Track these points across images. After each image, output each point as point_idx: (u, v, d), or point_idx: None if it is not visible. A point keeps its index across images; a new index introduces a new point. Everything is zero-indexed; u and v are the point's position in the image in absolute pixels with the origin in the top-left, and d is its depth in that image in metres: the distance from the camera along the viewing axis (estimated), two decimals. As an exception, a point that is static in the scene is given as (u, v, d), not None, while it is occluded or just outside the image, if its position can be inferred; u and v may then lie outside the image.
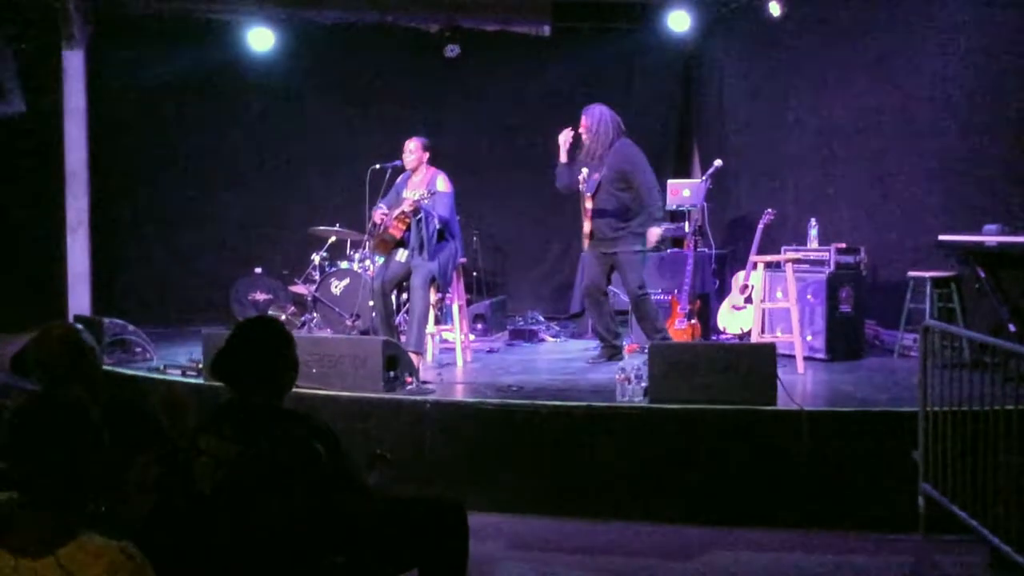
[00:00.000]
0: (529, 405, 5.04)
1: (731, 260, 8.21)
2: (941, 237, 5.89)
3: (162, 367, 6.34)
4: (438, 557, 3.02)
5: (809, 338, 6.62)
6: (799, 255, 6.77)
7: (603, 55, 9.62)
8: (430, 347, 6.94)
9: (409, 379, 5.51)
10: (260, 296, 8.97)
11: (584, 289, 6.77)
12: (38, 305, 8.95)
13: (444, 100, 9.67)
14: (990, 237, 5.54)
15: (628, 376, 5.05)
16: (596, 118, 6.47)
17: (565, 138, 6.54)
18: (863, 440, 4.65)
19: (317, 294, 7.80)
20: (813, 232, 7.12)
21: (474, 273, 8.95)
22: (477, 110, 9.70)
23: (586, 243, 6.60)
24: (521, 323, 8.82)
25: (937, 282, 6.30)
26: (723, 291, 7.61)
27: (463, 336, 7.03)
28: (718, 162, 7.24)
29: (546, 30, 9.85)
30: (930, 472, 4.27)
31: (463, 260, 7.13)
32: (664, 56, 9.90)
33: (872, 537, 4.44)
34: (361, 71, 9.70)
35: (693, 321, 6.93)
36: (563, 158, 6.61)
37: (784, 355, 5.89)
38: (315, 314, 7.81)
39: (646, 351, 5.38)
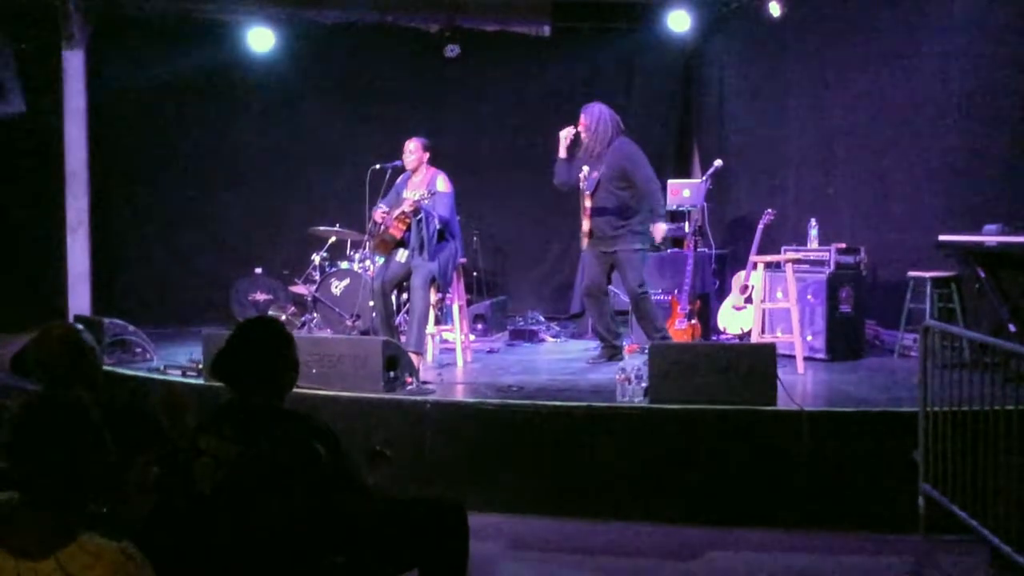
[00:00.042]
0: (529, 405, 5.04)
1: (731, 260, 8.21)
2: (941, 237, 5.89)
3: (162, 367, 6.35)
4: (438, 557, 3.02)
5: (809, 338, 6.62)
6: (799, 255, 6.77)
7: (603, 55, 9.63)
8: (430, 347, 6.94)
9: (409, 379, 5.52)
10: (260, 296, 8.97)
11: (584, 289, 6.77)
12: (38, 305, 8.96)
13: (444, 100, 9.67)
14: (990, 237, 5.54)
15: (628, 376, 5.05)
16: (595, 116, 6.47)
17: (566, 134, 6.54)
18: (863, 440, 4.65)
19: (317, 294, 7.80)
20: (813, 232, 7.12)
21: (474, 273, 8.95)
22: (477, 110, 9.70)
23: (585, 242, 6.59)
24: (521, 323, 8.82)
25: (937, 282, 6.30)
26: (723, 291, 7.61)
27: (463, 336, 7.03)
28: (718, 162, 7.25)
29: (546, 30, 9.86)
30: (930, 472, 4.27)
31: (463, 260, 7.13)
32: (664, 56, 9.90)
33: (872, 537, 4.44)
34: (361, 71, 9.70)
35: (693, 321, 6.93)
36: (562, 153, 6.60)
37: (784, 355, 5.89)
38: (315, 314, 7.81)
39: (646, 351, 5.38)
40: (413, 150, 6.64)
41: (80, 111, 8.84)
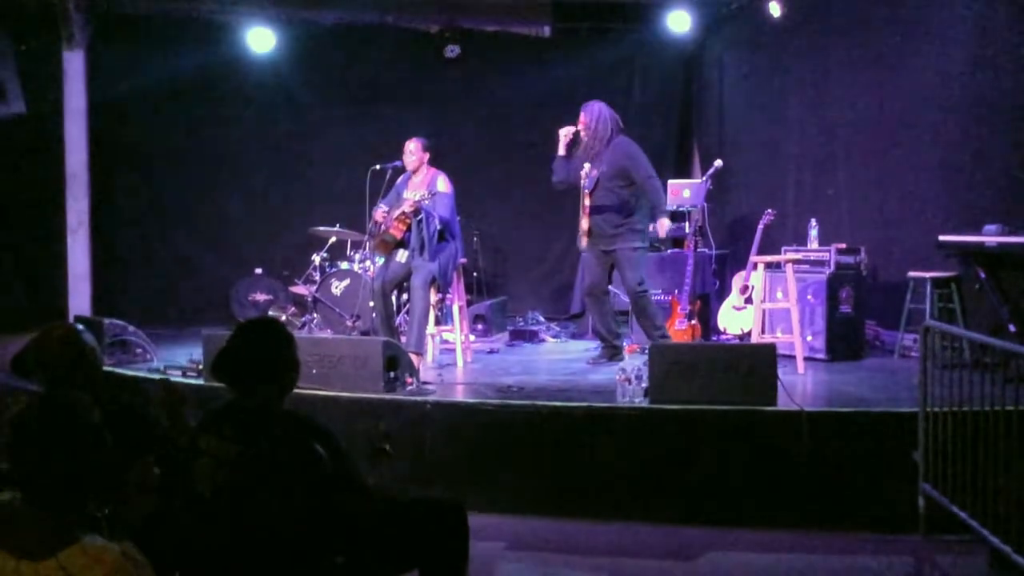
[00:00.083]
0: (529, 406, 5.04)
1: (731, 260, 8.21)
2: (941, 237, 5.89)
3: (162, 368, 6.35)
4: (438, 557, 3.02)
5: (809, 338, 6.62)
6: (799, 255, 6.78)
7: (603, 55, 9.63)
8: (430, 348, 6.94)
9: (409, 380, 5.52)
10: (260, 297, 8.97)
11: (586, 289, 6.77)
12: (39, 305, 8.98)
13: (444, 100, 9.67)
14: (990, 237, 5.54)
15: (628, 377, 5.05)
16: (595, 115, 6.48)
17: (566, 132, 6.55)
18: (863, 440, 4.65)
19: (317, 295, 7.80)
20: (813, 232, 7.13)
21: (474, 274, 8.95)
22: (477, 110, 9.70)
23: (583, 241, 6.57)
24: (521, 324, 8.82)
25: (937, 282, 6.30)
26: (723, 291, 7.61)
27: (463, 337, 7.03)
28: (718, 162, 7.25)
29: (546, 30, 9.87)
30: (930, 472, 4.27)
31: (463, 261, 7.14)
32: (664, 56, 9.90)
33: (872, 537, 4.44)
34: (361, 71, 9.71)
35: (693, 322, 6.93)
36: (561, 151, 6.60)
37: (784, 355, 5.89)
38: (315, 315, 7.82)
39: (646, 351, 5.38)
40: (413, 150, 6.64)
41: (80, 112, 8.85)
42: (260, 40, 9.19)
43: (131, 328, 6.88)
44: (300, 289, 8.31)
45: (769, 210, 7.16)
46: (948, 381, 4.16)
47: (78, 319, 7.59)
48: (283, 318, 8.05)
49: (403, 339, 6.36)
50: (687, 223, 7.86)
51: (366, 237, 7.17)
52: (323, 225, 8.24)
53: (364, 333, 7.25)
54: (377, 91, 9.67)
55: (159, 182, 9.62)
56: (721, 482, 4.74)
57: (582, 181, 6.45)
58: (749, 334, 6.65)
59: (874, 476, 4.58)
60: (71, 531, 1.95)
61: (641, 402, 4.98)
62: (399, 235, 6.50)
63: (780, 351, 5.33)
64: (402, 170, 6.73)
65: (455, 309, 7.05)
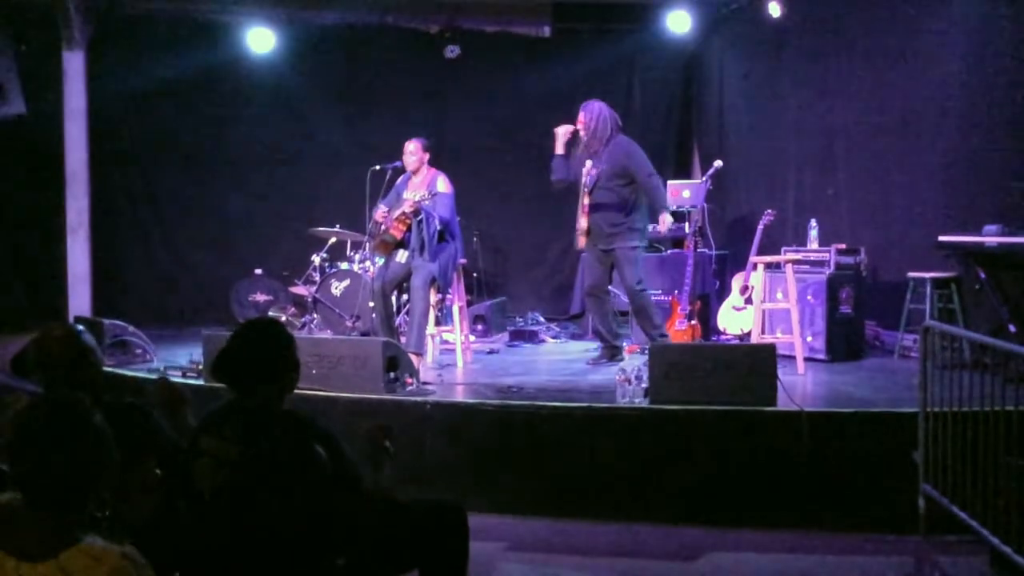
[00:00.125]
0: (529, 406, 5.04)
1: (731, 261, 8.21)
2: (941, 238, 5.90)
3: (162, 368, 6.35)
4: (438, 558, 3.03)
5: (809, 339, 6.62)
6: (799, 256, 6.78)
7: (603, 56, 9.62)
8: (430, 348, 6.94)
9: (409, 380, 5.52)
10: (260, 297, 8.97)
11: (587, 289, 6.77)
12: (38, 306, 8.99)
13: (444, 101, 9.68)
14: (990, 238, 5.54)
15: (628, 377, 5.05)
16: (595, 114, 6.47)
17: (564, 131, 6.55)
18: (863, 441, 4.65)
19: (317, 295, 7.80)
20: (813, 233, 7.13)
21: (474, 274, 8.95)
22: (477, 111, 9.70)
23: (581, 241, 6.56)
24: (521, 324, 8.82)
25: (937, 283, 6.30)
26: (723, 292, 7.61)
27: (463, 337, 7.03)
28: (718, 163, 7.24)
29: (546, 31, 9.86)
30: (930, 473, 4.27)
31: (463, 261, 7.14)
32: (664, 57, 9.90)
33: (872, 538, 4.45)
34: (361, 72, 9.70)
35: (693, 322, 6.93)
36: (560, 150, 6.60)
37: (784, 356, 5.89)
38: (315, 315, 7.81)
39: (646, 352, 5.38)
40: (413, 151, 6.64)
41: (80, 112, 8.84)
42: (260, 40, 9.20)
43: (131, 328, 6.89)
44: (300, 289, 8.31)
45: (769, 210, 7.16)
46: (948, 381, 4.15)
47: (78, 319, 7.59)
48: (283, 318, 8.05)
49: (403, 339, 6.36)
50: (687, 223, 7.86)
51: (366, 237, 7.17)
52: (323, 225, 8.24)
53: (364, 334, 7.25)
54: (377, 91, 9.67)
55: (159, 182, 9.63)
56: (721, 483, 4.74)
57: (583, 179, 6.44)
58: (749, 334, 6.64)
59: (874, 476, 4.58)
60: (72, 532, 1.95)
61: (641, 402, 4.98)
62: (399, 235, 6.50)
63: (780, 351, 5.33)
64: (402, 170, 6.73)
65: (455, 309, 7.05)
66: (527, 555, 4.37)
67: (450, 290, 7.06)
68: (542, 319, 9.04)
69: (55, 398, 2.19)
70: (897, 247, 7.03)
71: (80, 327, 3.10)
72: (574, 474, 4.90)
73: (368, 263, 7.52)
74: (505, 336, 8.33)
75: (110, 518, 2.37)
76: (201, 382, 5.74)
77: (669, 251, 8.16)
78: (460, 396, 5.68)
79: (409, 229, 6.48)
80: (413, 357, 6.01)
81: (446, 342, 7.36)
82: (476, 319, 8.27)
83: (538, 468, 4.94)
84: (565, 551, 4.43)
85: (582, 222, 6.51)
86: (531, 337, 8.14)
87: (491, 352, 7.54)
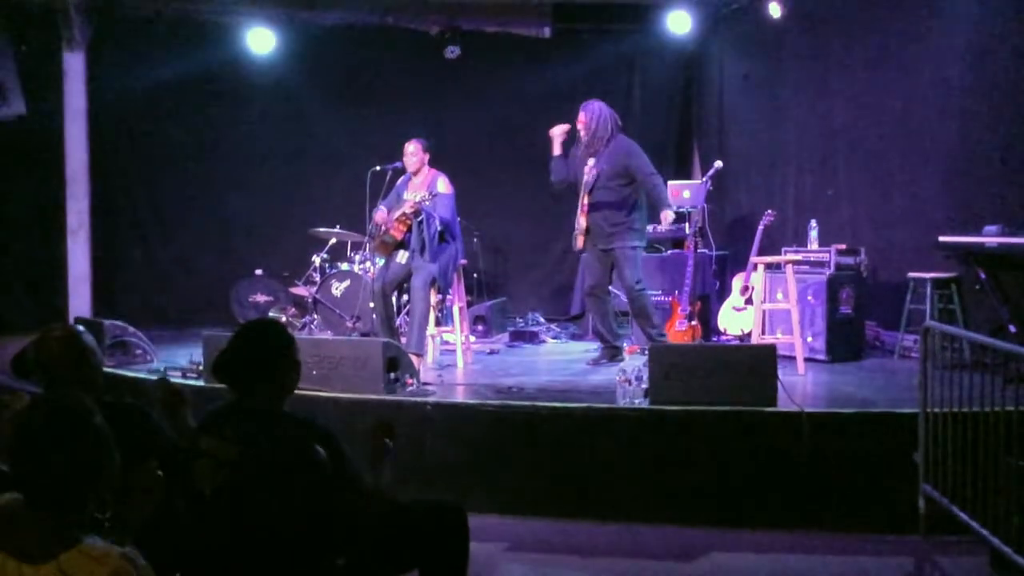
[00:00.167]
0: (530, 406, 5.04)
1: (731, 261, 8.21)
2: (941, 238, 5.89)
3: (163, 369, 6.35)
4: (439, 558, 3.03)
5: (809, 339, 6.62)
6: (799, 256, 6.78)
7: (603, 56, 9.63)
8: (431, 349, 6.94)
9: (410, 381, 5.52)
10: (261, 298, 8.97)
11: (587, 289, 6.77)
12: (39, 306, 8.99)
13: (444, 101, 9.67)
14: (990, 238, 5.54)
15: (628, 378, 5.05)
16: (595, 114, 6.48)
17: (559, 131, 6.55)
18: (863, 441, 4.65)
19: (318, 296, 7.80)
20: (813, 233, 7.13)
21: (475, 275, 8.95)
22: (478, 111, 9.70)
23: (579, 241, 6.56)
24: (521, 324, 8.83)
25: (937, 283, 6.30)
26: (723, 292, 7.61)
27: (463, 338, 7.03)
28: (718, 163, 7.24)
29: (546, 31, 9.85)
30: (930, 473, 4.27)
31: (464, 262, 7.14)
32: (664, 57, 9.90)
33: (872, 538, 4.45)
34: (361, 72, 9.71)
35: (693, 322, 6.93)
36: (557, 151, 6.60)
37: (784, 356, 5.89)
38: (315, 316, 7.82)
39: (646, 352, 5.38)
40: (413, 152, 6.64)
41: (81, 113, 8.85)
42: (260, 41, 9.20)
43: (131, 329, 6.89)
44: (300, 290, 8.32)
45: (769, 211, 7.16)
46: (948, 382, 4.16)
47: (78, 320, 7.59)
48: (283, 319, 8.06)
49: (403, 340, 6.36)
50: (687, 224, 7.85)
51: (366, 238, 7.17)
52: (323, 226, 8.24)
53: (364, 334, 7.25)
54: (377, 92, 9.68)
55: (159, 183, 9.63)
56: (721, 483, 4.74)
57: (585, 177, 6.44)
58: (749, 335, 6.65)
59: (874, 477, 4.58)
60: (72, 533, 1.95)
61: (641, 403, 4.98)
62: (399, 236, 6.51)
63: (780, 352, 5.33)
64: (402, 171, 6.73)
65: (455, 310, 7.06)
66: (527, 555, 4.37)
67: (450, 291, 7.06)
68: (542, 320, 9.04)
69: (55, 399, 2.19)
70: (897, 247, 7.03)
71: (80, 328, 3.10)
72: (574, 474, 4.90)
73: (368, 264, 7.52)
74: (505, 337, 8.33)
75: (111, 519, 2.37)
76: (201, 383, 5.74)
77: (669, 251, 8.17)
78: (460, 397, 5.68)
79: (409, 230, 6.48)
80: (413, 358, 6.01)
81: (446, 343, 7.36)
82: (476, 320, 8.27)
83: (538, 468, 4.94)
84: (565, 551, 4.43)
85: (581, 222, 6.51)
86: (531, 338, 8.14)
87: (491, 353, 7.54)
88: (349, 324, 7.57)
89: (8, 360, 3.11)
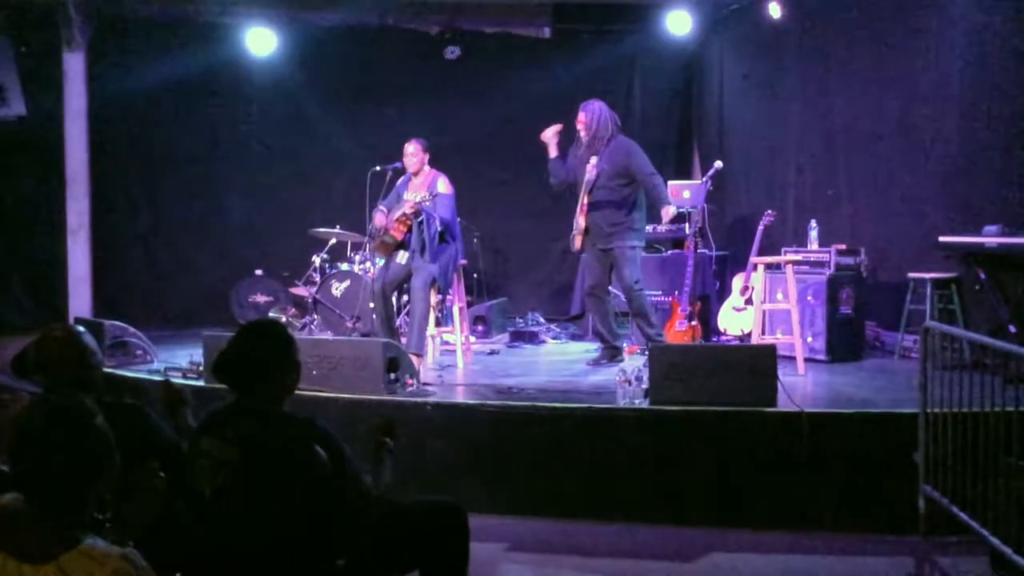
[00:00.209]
0: (530, 407, 5.04)
1: (731, 262, 8.21)
2: (941, 238, 5.90)
3: (163, 369, 6.35)
4: (439, 559, 3.03)
5: (809, 339, 6.62)
6: (799, 256, 6.78)
7: (604, 56, 9.62)
8: (431, 349, 6.94)
9: (410, 381, 5.52)
10: (261, 298, 8.97)
11: (587, 289, 6.77)
12: (39, 307, 8.99)
13: (445, 102, 9.67)
14: (990, 238, 5.54)
15: (628, 378, 5.05)
16: (595, 114, 6.48)
17: (552, 133, 6.54)
18: (863, 441, 4.65)
19: (318, 296, 7.80)
20: (813, 233, 7.13)
21: (475, 275, 8.95)
22: (478, 112, 9.69)
23: (578, 241, 6.55)
24: (522, 325, 8.82)
25: (937, 283, 6.31)
26: (723, 293, 7.61)
27: (464, 338, 7.03)
28: (718, 163, 7.24)
29: (546, 32, 9.86)
30: (930, 473, 4.28)
31: (464, 262, 7.14)
32: (665, 57, 9.89)
33: (872, 538, 4.45)
34: (361, 72, 9.70)
35: (693, 323, 6.93)
36: (553, 153, 6.60)
37: (784, 356, 5.88)
38: (316, 316, 7.82)
39: (646, 353, 5.38)
40: (413, 152, 6.64)
41: (81, 113, 8.85)
42: (260, 42, 9.19)
43: (131, 329, 6.89)
44: (300, 290, 8.32)
45: (769, 211, 7.16)
46: (948, 382, 4.16)
47: (78, 320, 7.59)
48: (283, 319, 8.06)
49: (403, 340, 6.36)
50: (687, 224, 7.85)
51: (366, 238, 7.18)
52: (323, 226, 8.24)
53: (364, 334, 7.25)
54: (377, 92, 9.67)
55: (159, 183, 9.63)
56: (721, 483, 4.74)
57: (586, 176, 6.44)
58: (749, 335, 6.65)
59: (874, 477, 4.58)
60: (72, 534, 1.95)
61: (641, 403, 4.98)
62: (399, 236, 6.51)
63: (780, 352, 5.33)
64: (402, 171, 6.73)
65: (455, 310, 7.06)
66: (527, 555, 4.37)
67: (450, 291, 7.06)
68: (542, 320, 9.04)
69: (56, 399, 2.19)
70: (897, 248, 7.03)
71: (80, 328, 3.10)
72: (574, 475, 4.90)
73: (368, 264, 7.52)
74: (505, 337, 8.33)
75: (111, 519, 2.37)
76: (201, 383, 5.74)
77: (669, 252, 8.17)
78: (460, 397, 5.68)
79: (409, 230, 6.48)
80: (413, 358, 6.01)
81: (446, 343, 7.36)
82: (476, 320, 8.27)
83: (538, 469, 4.94)
84: (565, 551, 4.43)
85: (580, 222, 6.51)
86: (531, 338, 8.14)
87: (491, 353, 7.54)
88: (349, 324, 7.58)
89: (8, 360, 3.11)
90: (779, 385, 4.89)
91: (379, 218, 6.58)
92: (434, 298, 6.69)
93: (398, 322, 6.93)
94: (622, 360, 6.61)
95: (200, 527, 2.71)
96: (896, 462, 4.49)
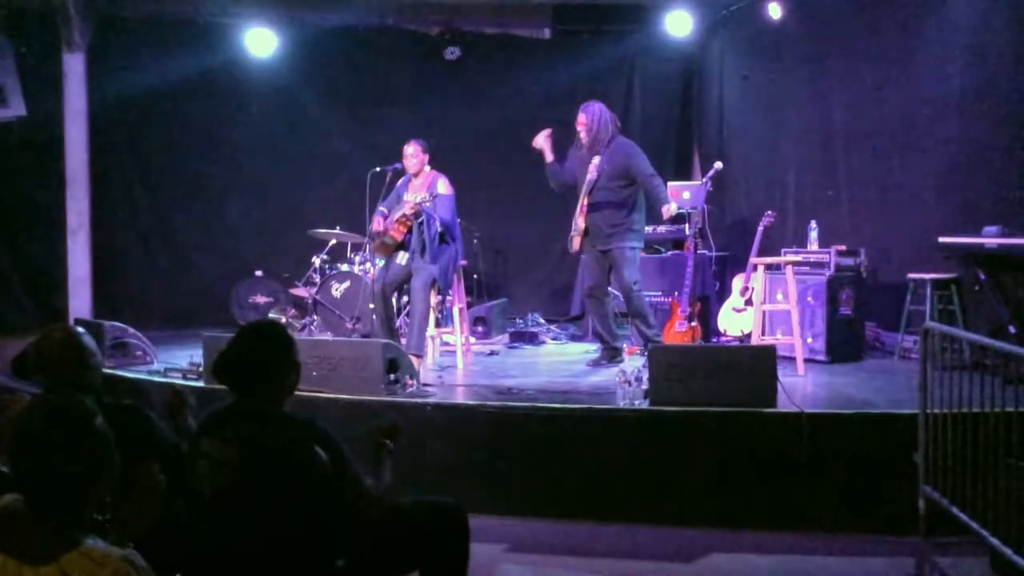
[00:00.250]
0: (530, 407, 5.04)
1: (731, 262, 8.21)
2: (941, 239, 5.90)
3: (163, 370, 6.35)
4: (439, 559, 3.03)
5: (809, 340, 6.62)
6: (799, 257, 6.78)
7: (603, 57, 9.62)
8: (431, 350, 6.94)
9: (410, 382, 5.51)
10: (261, 299, 8.97)
11: (587, 290, 6.77)
12: (39, 307, 8.99)
13: (444, 103, 9.67)
14: (990, 239, 5.54)
15: (628, 379, 5.05)
16: (595, 115, 6.48)
17: (543, 138, 6.54)
18: (863, 442, 4.65)
19: (318, 297, 7.80)
20: (813, 234, 7.13)
21: (475, 276, 8.95)
22: (477, 112, 9.69)
23: (576, 242, 6.56)
24: (521, 325, 8.82)
25: (937, 284, 6.31)
26: (723, 293, 7.61)
27: (463, 339, 7.03)
28: (718, 164, 7.23)
29: (546, 32, 9.86)
30: (930, 474, 4.28)
31: (464, 263, 7.14)
32: (664, 58, 9.88)
33: (872, 539, 4.45)
34: (361, 74, 9.70)
35: (693, 323, 6.93)
36: (549, 157, 6.61)
37: (784, 357, 5.89)
38: (315, 317, 7.82)
39: (646, 353, 5.38)
40: (413, 153, 6.64)
41: (81, 114, 8.85)
42: (260, 43, 9.19)
43: (131, 330, 6.89)
44: (300, 291, 8.31)
45: (769, 212, 7.16)
46: (948, 383, 4.16)
47: (78, 321, 7.59)
48: (283, 320, 8.06)
49: (403, 341, 6.36)
50: (687, 225, 7.85)
51: (366, 239, 7.18)
52: (323, 227, 8.24)
53: (364, 335, 7.25)
54: (377, 93, 9.67)
55: (159, 184, 9.63)
56: (721, 484, 4.74)
57: (588, 176, 6.43)
58: (749, 336, 6.64)
59: (874, 478, 4.58)
60: (73, 535, 1.95)
61: (641, 404, 4.98)
62: (399, 237, 6.51)
63: (780, 353, 5.34)
64: (402, 172, 6.74)
65: (455, 311, 7.06)
66: (527, 556, 4.37)
67: (450, 292, 7.06)
68: (542, 320, 9.04)
69: (56, 400, 2.19)
70: (897, 248, 7.03)
71: (80, 329, 3.10)
72: (574, 475, 4.90)
73: (368, 265, 7.52)
74: (505, 338, 8.33)
75: (111, 520, 2.37)
76: (201, 384, 5.74)
77: (669, 253, 8.17)
78: (460, 398, 5.68)
79: (410, 231, 6.48)
80: (413, 359, 6.01)
81: (446, 344, 7.36)
82: (476, 321, 8.27)
83: (538, 469, 4.94)
84: (565, 552, 4.43)
85: (580, 222, 6.51)
86: (531, 339, 8.14)
87: (491, 354, 7.54)
88: (349, 325, 7.57)
89: (8, 361, 3.11)
90: (779, 386, 4.89)
91: (376, 223, 6.58)
92: (434, 299, 6.69)
93: (398, 323, 6.93)
94: (622, 361, 6.61)
95: (200, 528, 2.71)
96: (896, 463, 4.49)
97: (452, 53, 9.40)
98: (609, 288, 6.82)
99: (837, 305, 6.61)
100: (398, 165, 6.69)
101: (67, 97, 8.79)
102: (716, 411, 4.81)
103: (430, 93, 9.65)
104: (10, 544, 1.92)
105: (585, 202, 6.48)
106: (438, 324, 7.26)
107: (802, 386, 5.80)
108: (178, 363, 6.38)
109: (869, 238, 7.17)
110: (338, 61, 9.64)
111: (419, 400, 5.28)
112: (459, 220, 6.84)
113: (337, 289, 7.79)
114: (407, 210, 6.37)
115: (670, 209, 6.37)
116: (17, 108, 8.63)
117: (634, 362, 6.37)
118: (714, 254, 7.99)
